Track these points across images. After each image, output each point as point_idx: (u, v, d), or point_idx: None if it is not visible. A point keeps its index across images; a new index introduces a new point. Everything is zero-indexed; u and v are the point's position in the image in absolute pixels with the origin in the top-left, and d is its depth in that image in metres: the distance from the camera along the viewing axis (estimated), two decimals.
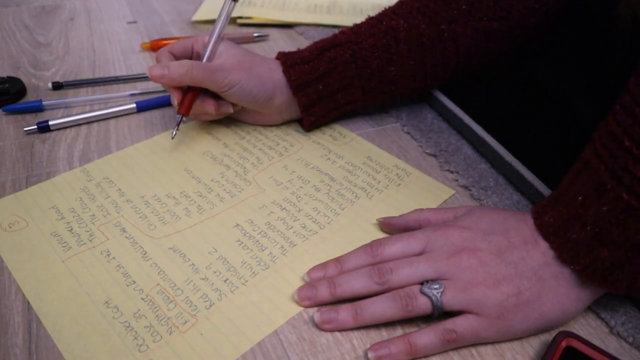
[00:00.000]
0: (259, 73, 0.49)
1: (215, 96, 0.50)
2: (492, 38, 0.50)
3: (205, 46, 0.49)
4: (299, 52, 0.51)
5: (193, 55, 0.51)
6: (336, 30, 0.52)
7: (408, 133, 0.54)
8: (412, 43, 0.49)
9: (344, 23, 0.76)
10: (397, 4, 0.52)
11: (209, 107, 0.49)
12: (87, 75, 0.63)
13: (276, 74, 0.50)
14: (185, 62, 0.46)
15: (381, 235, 0.42)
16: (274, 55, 0.52)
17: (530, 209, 0.44)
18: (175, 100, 0.48)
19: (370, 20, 0.51)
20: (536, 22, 0.50)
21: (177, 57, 0.50)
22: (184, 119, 0.49)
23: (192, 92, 0.48)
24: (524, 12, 0.49)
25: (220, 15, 0.50)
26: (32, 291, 0.37)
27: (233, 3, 0.49)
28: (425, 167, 0.49)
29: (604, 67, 0.49)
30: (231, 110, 0.50)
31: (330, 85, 0.50)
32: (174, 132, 0.49)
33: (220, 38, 0.49)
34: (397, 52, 0.49)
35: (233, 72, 0.47)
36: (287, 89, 0.50)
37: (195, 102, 0.49)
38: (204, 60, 0.49)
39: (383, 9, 0.52)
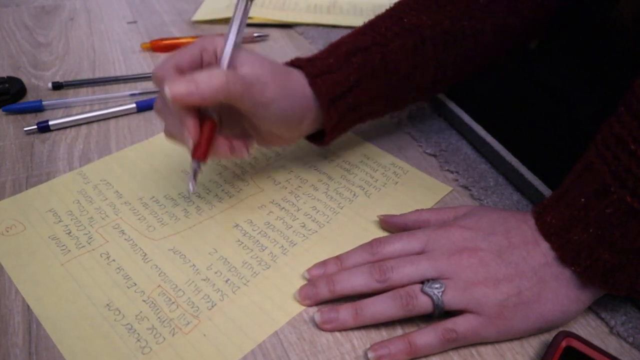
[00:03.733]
0: (294, 88, 0.40)
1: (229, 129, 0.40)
2: (507, 35, 0.47)
3: (221, 52, 0.37)
4: (321, 59, 0.42)
5: (203, 67, 0.39)
6: (339, 31, 0.50)
7: (408, 133, 0.54)
8: (437, 42, 0.44)
9: (344, 23, 0.76)
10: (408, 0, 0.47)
11: (222, 150, 0.38)
12: (87, 75, 0.63)
13: (304, 90, 0.41)
14: (218, 72, 0.35)
15: (381, 233, 0.42)
16: (274, 55, 0.51)
17: (530, 209, 0.44)
18: (186, 132, 0.36)
19: (387, 18, 0.45)
20: (543, 16, 0.48)
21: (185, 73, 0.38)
22: (201, 167, 0.37)
23: (209, 126, 0.37)
24: (532, 6, 0.47)
25: (235, 16, 0.38)
26: (32, 295, 0.37)
27: (250, 1, 0.38)
28: (425, 167, 0.49)
29: (604, 66, 0.49)
30: (245, 155, 0.39)
31: (359, 96, 0.43)
32: (191, 186, 0.38)
33: (239, 43, 0.38)
34: (423, 54, 0.44)
35: (271, 85, 0.37)
36: (316, 105, 0.41)
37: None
38: (224, 66, 0.37)
39: (387, 7, 0.48)
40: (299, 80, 0.40)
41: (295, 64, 0.42)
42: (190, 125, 0.36)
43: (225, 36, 0.38)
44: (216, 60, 0.38)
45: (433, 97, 0.56)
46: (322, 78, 0.41)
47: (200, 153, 0.37)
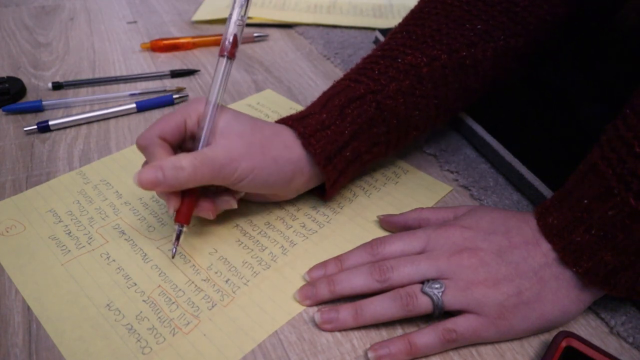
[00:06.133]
0: (275, 156, 0.38)
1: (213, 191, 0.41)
2: (508, 57, 0.45)
3: (202, 122, 0.38)
4: (313, 115, 0.41)
5: (187, 134, 0.39)
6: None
7: None
8: (436, 78, 0.42)
9: (344, 23, 0.76)
10: (401, 34, 0.45)
11: (206, 212, 0.39)
12: (87, 75, 0.63)
13: (294, 151, 0.39)
14: (185, 162, 0.35)
15: (381, 233, 0.42)
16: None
17: (530, 209, 0.44)
18: (172, 209, 0.37)
19: (380, 59, 0.43)
20: (549, 35, 0.46)
21: (170, 143, 0.38)
22: (184, 229, 0.38)
23: (191, 196, 0.38)
24: (537, 26, 0.44)
25: (215, 78, 0.38)
26: (32, 295, 0.37)
27: (230, 61, 0.39)
28: (425, 167, 0.49)
29: (604, 66, 0.49)
30: (234, 205, 0.40)
31: (357, 148, 0.41)
32: (174, 250, 0.38)
33: (217, 107, 0.38)
34: (422, 93, 0.42)
35: (244, 161, 0.37)
36: (310, 165, 0.40)
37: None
38: (200, 145, 0.38)
39: (379, 42, 0.46)
40: (287, 146, 0.39)
41: (287, 122, 0.41)
42: (172, 201, 0.37)
43: (206, 102, 0.38)
44: (198, 127, 0.38)
45: None
46: (316, 137, 0.39)
47: (182, 218, 0.38)
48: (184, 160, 0.35)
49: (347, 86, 0.42)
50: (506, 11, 0.44)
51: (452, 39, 0.43)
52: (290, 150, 0.39)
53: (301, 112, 0.42)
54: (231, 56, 0.39)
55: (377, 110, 0.41)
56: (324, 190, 0.43)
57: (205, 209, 0.39)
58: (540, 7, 0.44)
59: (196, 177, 0.36)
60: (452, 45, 0.43)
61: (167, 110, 0.57)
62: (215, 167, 0.36)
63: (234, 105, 0.58)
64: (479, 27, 0.43)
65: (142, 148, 0.38)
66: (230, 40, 0.38)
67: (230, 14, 0.38)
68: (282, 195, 0.42)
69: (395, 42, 0.44)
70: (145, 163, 0.39)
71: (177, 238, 0.38)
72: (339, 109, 0.41)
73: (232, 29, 0.38)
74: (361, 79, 0.42)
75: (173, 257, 0.39)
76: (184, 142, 0.39)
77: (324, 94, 0.44)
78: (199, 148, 0.38)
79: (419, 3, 0.48)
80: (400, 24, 0.47)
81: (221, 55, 0.39)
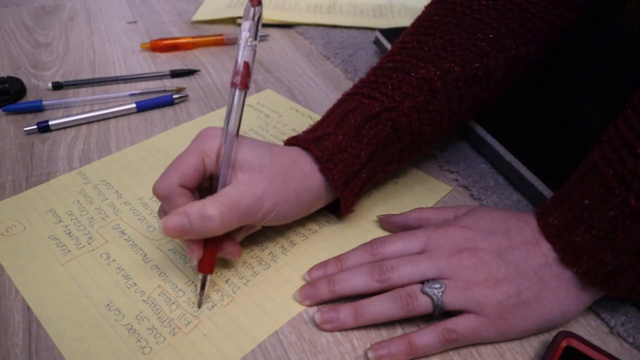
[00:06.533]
0: (296, 187, 0.37)
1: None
2: (520, 65, 0.44)
3: (220, 159, 0.36)
4: (329, 136, 0.39)
5: (206, 175, 0.37)
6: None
7: None
8: (449, 92, 0.42)
9: (344, 23, 0.76)
10: (411, 43, 0.44)
11: (230, 255, 0.38)
12: (87, 75, 0.63)
13: (313, 179, 0.38)
14: (212, 211, 0.33)
15: (381, 233, 0.42)
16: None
17: (530, 209, 0.44)
18: (195, 260, 0.36)
19: (393, 71, 0.42)
20: (559, 40, 0.45)
21: (190, 189, 0.36)
22: (209, 278, 0.36)
23: (214, 244, 0.36)
24: (548, 31, 0.44)
25: (231, 111, 0.36)
26: (32, 295, 0.37)
27: (243, 92, 0.36)
28: (425, 167, 0.49)
29: (604, 66, 0.49)
30: (240, 255, 0.38)
31: (372, 169, 0.41)
32: (200, 299, 0.36)
33: (234, 140, 0.36)
34: (436, 108, 0.42)
35: (267, 199, 0.36)
36: (328, 190, 0.39)
37: None
38: (220, 185, 0.36)
39: (389, 50, 0.44)
40: (306, 175, 0.38)
41: (303, 144, 0.39)
42: (195, 250, 0.35)
43: (222, 133, 0.36)
44: (217, 166, 0.36)
45: None
46: (333, 161, 0.38)
47: (205, 268, 0.36)
48: (211, 208, 0.33)
49: (360, 102, 0.41)
50: (517, 18, 0.43)
51: (464, 49, 0.42)
52: (309, 179, 0.38)
53: (315, 131, 0.40)
54: (243, 87, 0.36)
55: (392, 129, 0.40)
56: (337, 207, 0.42)
57: (231, 252, 0.37)
58: (551, 12, 0.43)
59: (224, 226, 0.34)
60: (464, 57, 0.42)
61: (167, 110, 0.57)
62: (242, 211, 0.35)
63: None
64: (490, 36, 0.42)
65: (163, 198, 0.36)
66: (241, 68, 0.36)
67: (239, 39, 0.36)
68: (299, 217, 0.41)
69: (406, 53, 0.43)
70: (161, 208, 0.38)
71: (202, 287, 0.36)
72: (354, 129, 0.39)
73: (241, 55, 0.35)
74: (374, 94, 0.41)
75: (199, 306, 0.36)
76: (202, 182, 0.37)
77: (337, 109, 0.42)
78: (219, 188, 0.36)
79: (426, 9, 0.47)
80: (409, 32, 0.46)
81: (233, 86, 0.36)
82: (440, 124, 0.43)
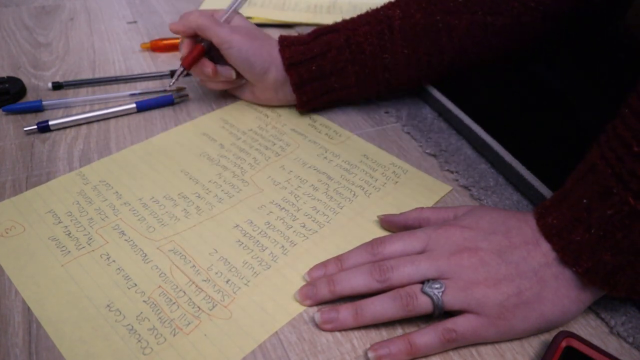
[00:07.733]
0: (260, 45, 0.52)
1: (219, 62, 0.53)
2: (486, 33, 0.50)
3: (224, 12, 0.54)
4: (297, 36, 0.54)
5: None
6: None
7: (408, 133, 0.54)
8: (406, 31, 0.50)
9: None
10: None
11: (206, 68, 0.52)
12: (87, 75, 0.63)
13: (274, 50, 0.53)
14: (198, 13, 0.51)
15: (381, 233, 0.42)
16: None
17: (530, 209, 0.44)
18: (183, 50, 0.52)
19: (370, 10, 0.53)
20: (532, 20, 0.49)
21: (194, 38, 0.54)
22: (184, 72, 0.52)
23: (198, 48, 0.52)
24: (520, 10, 0.49)
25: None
26: (32, 296, 0.37)
27: None
28: (425, 167, 0.49)
29: (604, 67, 0.49)
30: (232, 75, 0.53)
31: (323, 66, 0.52)
32: (172, 83, 0.53)
33: (236, 11, 0.54)
34: (391, 40, 0.51)
35: (237, 35, 0.51)
36: (282, 66, 0.52)
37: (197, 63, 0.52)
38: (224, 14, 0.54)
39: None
40: (271, 45, 0.53)
41: (280, 40, 0.53)
42: (185, 44, 0.53)
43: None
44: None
45: (429, 94, 0.56)
46: (290, 47, 0.52)
47: (185, 62, 0.52)
48: (198, 13, 0.52)
49: (333, 24, 0.53)
50: None
51: (431, 4, 0.50)
52: (271, 48, 0.53)
53: (291, 34, 0.54)
54: None
55: (345, 42, 0.51)
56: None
57: (207, 65, 0.52)
58: None
59: (199, 21, 0.51)
60: (428, 9, 0.50)
61: (167, 110, 0.57)
62: (215, 23, 0.51)
63: (233, 105, 0.58)
64: (459, 0, 0.50)
65: (199, 28, 0.51)
66: None
67: None
68: (263, 90, 0.54)
69: (388, 2, 0.53)
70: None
71: (177, 75, 0.53)
72: (316, 34, 0.53)
73: None
74: (346, 20, 0.53)
75: (170, 86, 0.54)
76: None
77: (314, 29, 0.54)
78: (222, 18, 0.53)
79: None
80: None
81: None
82: (397, 56, 0.51)
